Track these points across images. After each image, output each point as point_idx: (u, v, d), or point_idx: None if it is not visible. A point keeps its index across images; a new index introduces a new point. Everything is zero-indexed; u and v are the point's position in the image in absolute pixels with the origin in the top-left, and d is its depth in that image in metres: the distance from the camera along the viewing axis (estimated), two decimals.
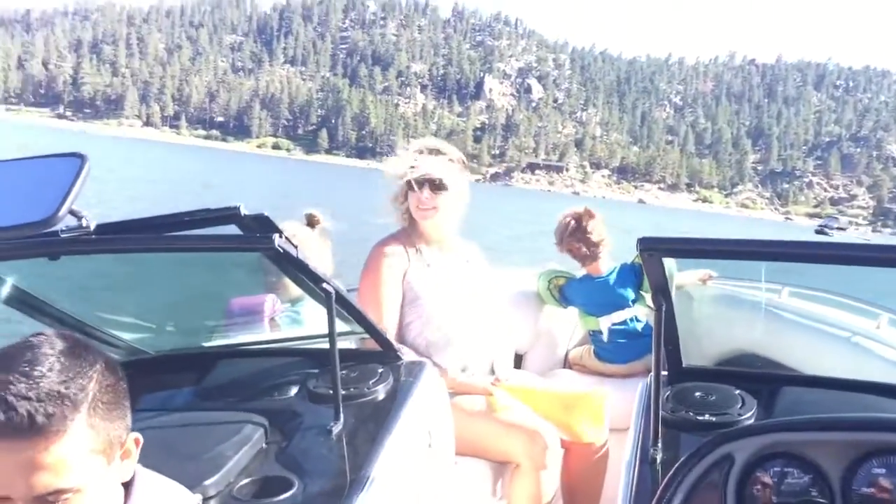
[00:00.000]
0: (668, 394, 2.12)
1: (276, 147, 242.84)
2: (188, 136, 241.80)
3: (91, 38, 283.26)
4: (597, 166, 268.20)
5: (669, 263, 2.81)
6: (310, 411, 2.19)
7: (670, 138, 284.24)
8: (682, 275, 2.84)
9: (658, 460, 1.86)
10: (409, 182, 2.93)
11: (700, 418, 2.01)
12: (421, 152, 2.97)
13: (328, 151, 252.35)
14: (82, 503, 1.07)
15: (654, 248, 1.79)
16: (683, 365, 2.25)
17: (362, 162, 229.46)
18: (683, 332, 2.24)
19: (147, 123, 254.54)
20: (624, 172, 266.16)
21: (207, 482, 1.73)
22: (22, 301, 2.29)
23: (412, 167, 2.92)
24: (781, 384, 2.18)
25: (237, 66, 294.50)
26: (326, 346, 2.11)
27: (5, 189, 2.00)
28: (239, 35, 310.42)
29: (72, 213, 1.85)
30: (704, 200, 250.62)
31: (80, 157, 1.94)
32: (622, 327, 3.88)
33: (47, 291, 2.32)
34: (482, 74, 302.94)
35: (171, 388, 2.34)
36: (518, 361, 3.79)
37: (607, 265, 3.93)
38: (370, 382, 2.27)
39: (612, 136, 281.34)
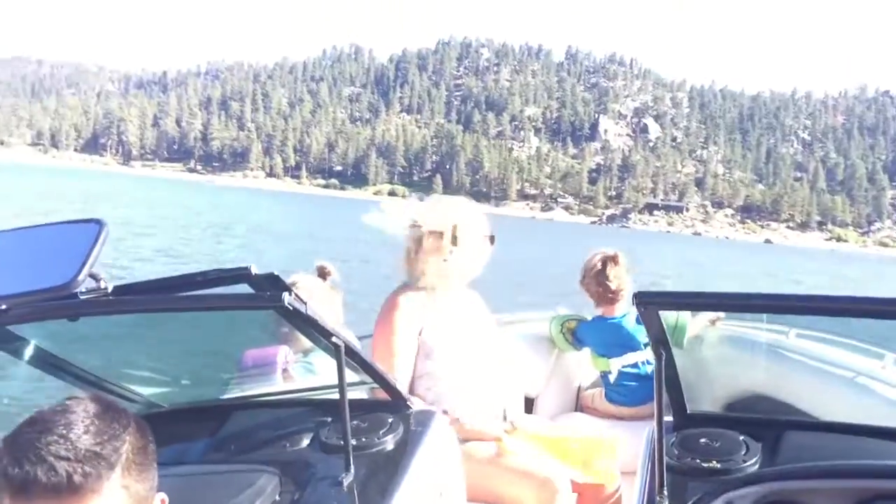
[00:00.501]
0: (673, 440, 2.13)
1: (391, 194, 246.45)
2: (308, 185, 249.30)
3: (220, 95, 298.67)
4: (719, 205, 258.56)
5: (682, 315, 2.87)
6: (321, 462, 2.20)
7: (798, 175, 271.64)
8: (691, 319, 2.91)
9: None
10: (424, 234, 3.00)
11: (706, 465, 2.01)
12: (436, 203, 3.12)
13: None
14: None
15: (650, 302, 1.81)
16: (688, 411, 2.25)
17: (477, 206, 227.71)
18: (691, 374, 2.24)
19: (270, 174, 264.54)
20: (748, 211, 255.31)
21: None
22: (42, 360, 2.34)
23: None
24: (786, 429, 2.19)
25: (355, 117, 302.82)
26: (337, 395, 2.14)
27: (28, 254, 2.07)
28: (357, 87, 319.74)
29: (90, 276, 1.89)
30: (838, 239, 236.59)
31: (98, 224, 1.99)
32: (633, 370, 3.90)
33: (66, 350, 2.37)
34: (597, 115, 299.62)
35: (186, 441, 2.36)
36: (529, 405, 3.80)
37: (622, 308, 3.98)
38: (380, 432, 2.29)
39: (735, 175, 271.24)
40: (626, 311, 3.98)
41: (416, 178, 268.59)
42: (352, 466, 2.08)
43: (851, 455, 1.94)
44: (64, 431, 1.09)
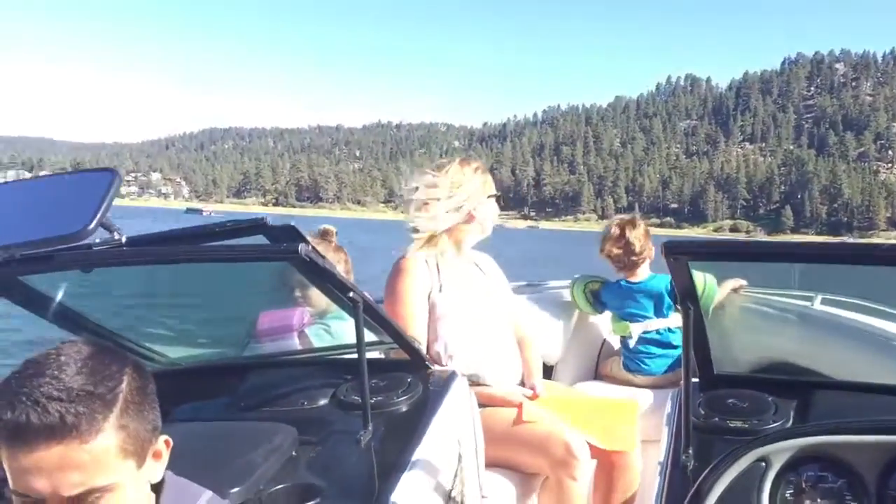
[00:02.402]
0: (700, 401, 2.09)
1: (733, 230, 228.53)
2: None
3: (552, 140, 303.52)
4: None
5: (710, 279, 2.92)
6: (339, 420, 2.21)
7: None
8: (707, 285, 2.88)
9: (690, 466, 1.85)
10: (493, 195, 3.10)
11: (732, 425, 2.00)
12: (485, 168, 3.13)
13: (794, 230, 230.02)
14: (114, 503, 1.10)
15: (679, 252, 1.78)
16: (715, 372, 2.20)
17: (835, 238, 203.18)
18: (716, 342, 2.21)
19: (602, 216, 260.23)
20: None
21: (236, 489, 1.73)
22: (56, 312, 2.32)
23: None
24: (814, 390, 2.16)
25: (691, 151, 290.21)
26: (355, 356, 2.12)
27: (40, 203, 2.04)
28: (693, 119, 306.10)
29: (103, 226, 1.88)
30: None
31: (111, 172, 1.98)
32: (654, 336, 3.91)
33: (81, 303, 2.38)
34: None
35: (202, 399, 2.36)
36: (548, 373, 3.70)
37: (645, 273, 3.96)
38: (399, 392, 2.28)
39: None
40: (649, 276, 3.95)
41: (761, 210, 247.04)
42: (370, 424, 2.07)
43: (881, 414, 1.90)
44: (55, 373, 1.08)
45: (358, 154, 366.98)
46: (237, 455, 1.93)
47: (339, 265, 3.15)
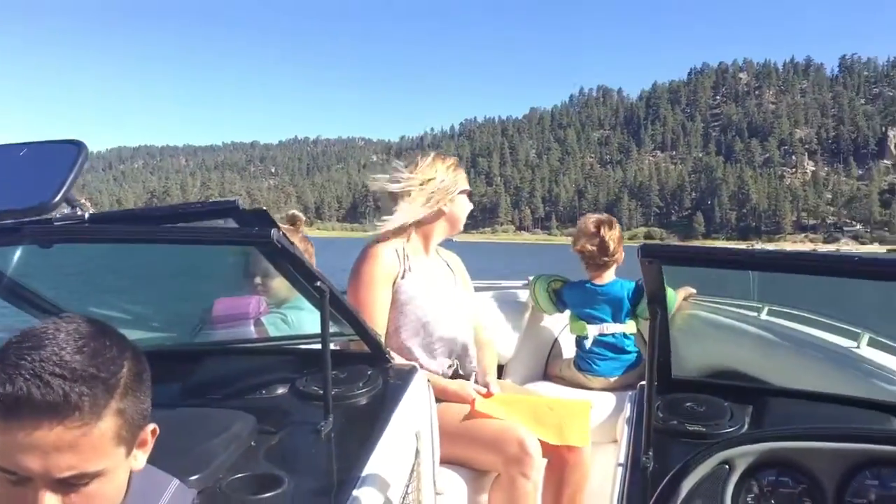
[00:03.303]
0: (658, 404, 2.11)
1: (647, 237, 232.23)
2: (559, 236, 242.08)
3: (469, 153, 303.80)
4: None
5: (669, 288, 2.95)
6: (299, 410, 2.19)
7: None
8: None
9: (650, 468, 1.88)
10: (466, 191, 3.13)
11: (691, 428, 2.04)
12: (458, 164, 3.13)
13: (705, 236, 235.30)
14: (100, 489, 1.07)
15: (654, 256, 1.80)
16: (673, 376, 2.25)
17: (744, 243, 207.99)
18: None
19: (520, 227, 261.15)
20: None
21: (194, 478, 1.70)
22: (8, 289, 2.25)
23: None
24: (767, 397, 2.22)
25: (605, 160, 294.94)
26: (314, 346, 2.11)
27: (1, 172, 1.93)
28: (606, 129, 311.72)
29: (67, 201, 1.80)
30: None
31: (77, 145, 1.90)
32: (609, 340, 3.97)
33: (35, 282, 2.29)
34: (884, 129, 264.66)
35: (157, 385, 2.15)
36: (498, 372, 3.73)
37: (610, 277, 4.02)
38: (360, 384, 2.28)
39: None
40: (613, 281, 4.02)
41: (674, 217, 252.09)
42: (331, 415, 2.06)
43: (831, 422, 1.97)
44: (56, 349, 1.03)
45: (273, 170, 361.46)
46: (195, 443, 1.88)
47: (308, 255, 3.08)
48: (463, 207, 3.13)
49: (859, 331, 3.17)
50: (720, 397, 2.18)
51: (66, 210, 1.93)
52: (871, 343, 3.10)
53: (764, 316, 3.54)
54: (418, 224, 3.03)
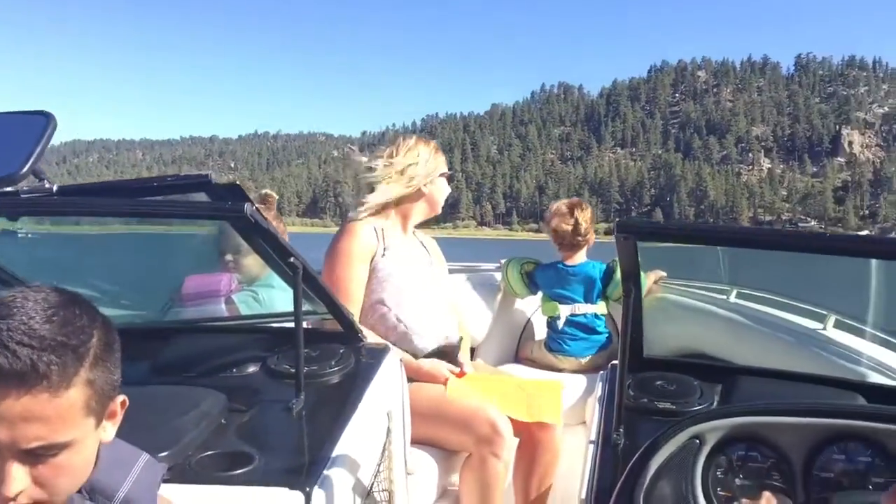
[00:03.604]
0: (629, 382, 2.14)
1: (607, 233, 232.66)
2: (520, 231, 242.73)
3: None
4: None
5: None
6: (270, 388, 2.18)
7: None
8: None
9: (621, 444, 1.90)
10: (445, 174, 3.19)
11: (661, 406, 2.07)
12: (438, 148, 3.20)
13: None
14: (69, 460, 1.04)
15: (630, 232, 1.81)
16: (644, 355, 2.28)
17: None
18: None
19: (481, 223, 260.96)
20: None
21: (164, 454, 1.69)
22: None
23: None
24: (737, 375, 2.25)
25: (565, 156, 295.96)
26: (286, 324, 2.09)
27: None
28: (567, 126, 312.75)
29: (34, 173, 1.76)
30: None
31: (46, 116, 1.85)
32: (581, 320, 4.01)
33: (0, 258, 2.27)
34: (837, 127, 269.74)
35: (127, 362, 2.08)
36: (470, 354, 3.77)
37: (582, 258, 4.09)
38: (332, 362, 2.27)
39: None
40: (584, 262, 4.08)
41: (633, 213, 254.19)
42: (302, 393, 2.05)
43: (804, 400, 1.99)
44: (23, 318, 1.00)
45: (233, 165, 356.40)
46: (165, 420, 1.87)
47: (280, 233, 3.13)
48: (442, 190, 3.18)
49: (825, 313, 3.23)
50: (690, 376, 2.21)
51: (33, 183, 1.87)
52: (838, 325, 3.16)
53: (733, 299, 3.60)
54: (398, 204, 3.07)
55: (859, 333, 3.12)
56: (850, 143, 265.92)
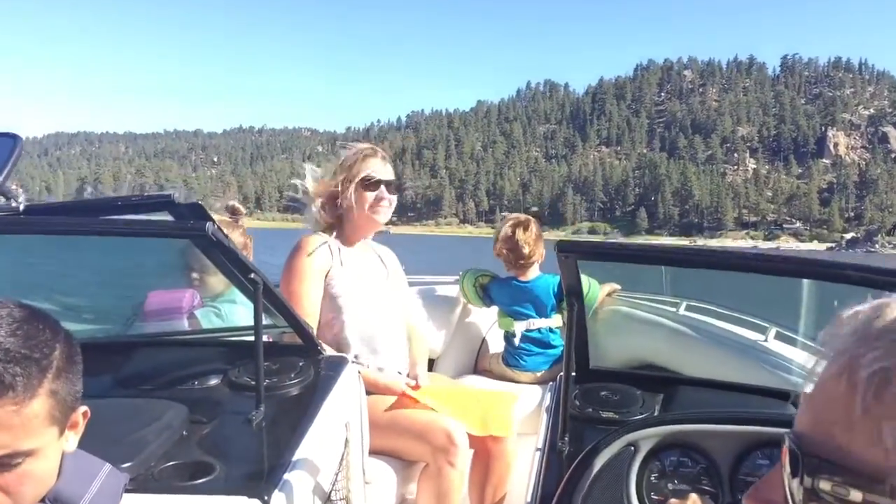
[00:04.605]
0: (575, 392, 2.22)
1: (591, 232, 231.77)
2: None
3: (414, 145, 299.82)
4: None
5: (594, 283, 3.31)
6: (230, 400, 2.23)
7: None
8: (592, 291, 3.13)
9: (565, 451, 1.98)
10: (365, 181, 3.07)
11: (604, 415, 2.15)
12: (369, 154, 3.14)
13: (649, 231, 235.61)
14: (32, 469, 1.08)
15: (570, 251, 1.88)
16: (590, 367, 2.36)
17: (686, 240, 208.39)
18: (591, 340, 2.38)
19: (464, 220, 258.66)
20: None
21: (126, 465, 1.71)
22: None
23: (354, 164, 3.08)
24: (678, 385, 2.35)
25: (550, 154, 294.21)
26: (246, 339, 2.14)
27: None
28: (552, 123, 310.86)
29: (1, 192, 1.80)
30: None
31: (13, 137, 1.89)
32: (536, 335, 4.08)
33: None
34: (823, 129, 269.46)
35: (88, 376, 2.11)
36: (429, 366, 3.87)
37: (535, 273, 4.13)
38: (291, 375, 2.32)
39: None
40: (537, 276, 4.12)
41: (618, 213, 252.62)
42: (262, 405, 2.09)
43: (738, 408, 2.11)
44: None
45: (216, 159, 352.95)
46: (127, 431, 1.90)
47: (247, 248, 3.21)
48: (359, 199, 3.09)
49: (767, 325, 3.38)
50: (634, 386, 2.30)
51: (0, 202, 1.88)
52: (778, 336, 3.30)
53: (682, 311, 3.74)
54: (341, 219, 3.11)
55: (798, 345, 3.25)
56: (836, 145, 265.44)
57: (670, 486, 1.66)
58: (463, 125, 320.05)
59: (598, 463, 1.67)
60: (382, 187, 3.09)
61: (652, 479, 1.67)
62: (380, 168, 3.12)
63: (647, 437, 1.69)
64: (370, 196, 3.08)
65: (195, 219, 1.95)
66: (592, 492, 1.64)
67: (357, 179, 3.06)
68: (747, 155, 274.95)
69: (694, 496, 1.48)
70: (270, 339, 2.74)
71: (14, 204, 1.88)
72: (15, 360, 1.04)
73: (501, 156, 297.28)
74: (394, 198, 3.15)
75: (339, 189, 3.06)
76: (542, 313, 4.06)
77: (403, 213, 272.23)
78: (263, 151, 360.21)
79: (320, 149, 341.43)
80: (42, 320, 1.12)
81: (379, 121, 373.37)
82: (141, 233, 2.00)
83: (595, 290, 3.69)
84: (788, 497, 0.68)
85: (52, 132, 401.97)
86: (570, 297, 2.01)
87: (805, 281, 2.61)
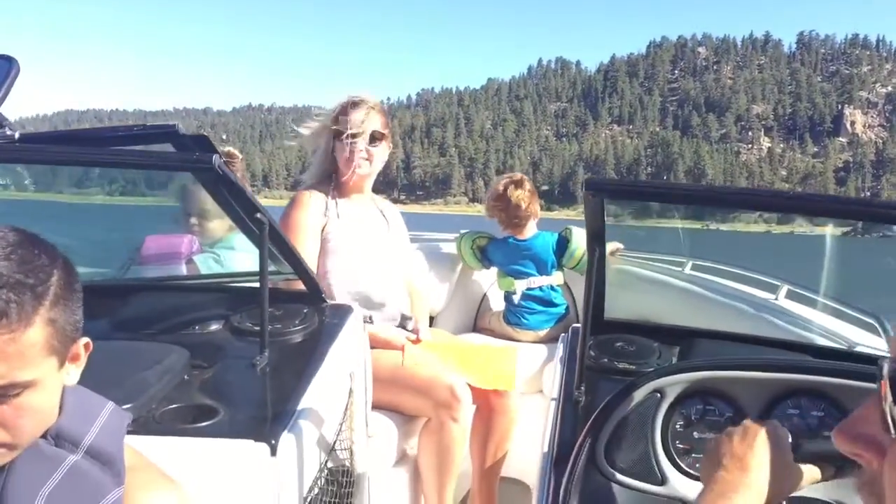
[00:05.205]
0: (590, 343, 2.16)
1: None
2: None
3: (423, 123, 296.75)
4: None
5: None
6: (233, 346, 2.19)
7: None
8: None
9: (581, 402, 1.93)
10: (339, 134, 3.02)
11: (620, 366, 2.11)
12: (351, 105, 3.06)
13: (660, 214, 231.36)
14: (32, 401, 1.04)
15: (598, 190, 1.80)
16: (605, 317, 2.31)
17: (698, 223, 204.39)
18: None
19: (473, 199, 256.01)
20: None
21: (127, 406, 1.62)
22: None
23: (340, 116, 3.03)
24: (694, 338, 2.29)
25: (561, 133, 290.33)
26: (248, 285, 2.09)
27: None
28: (563, 102, 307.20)
29: None
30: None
31: (9, 60, 1.80)
32: (537, 293, 4.02)
33: None
34: (839, 107, 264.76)
35: (86, 318, 1.92)
36: (430, 323, 3.84)
37: (532, 231, 4.06)
38: (295, 321, 2.27)
39: None
40: (535, 234, 4.07)
41: None
42: (266, 350, 2.05)
43: None
44: None
45: (224, 137, 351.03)
46: (126, 373, 1.85)
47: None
48: (339, 149, 3.04)
49: (778, 283, 3.33)
50: (650, 338, 2.26)
51: None
52: (789, 295, 3.26)
53: (688, 271, 3.70)
54: (337, 171, 3.07)
55: (810, 303, 3.19)
56: (853, 123, 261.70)
57: (696, 434, 1.64)
58: (473, 103, 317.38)
59: (623, 410, 1.64)
60: (359, 140, 3.00)
61: (677, 427, 1.65)
62: (359, 119, 3.01)
63: (675, 384, 1.65)
64: (345, 148, 3.01)
65: (200, 151, 1.89)
66: (615, 439, 1.62)
67: (333, 131, 3.04)
68: (762, 133, 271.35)
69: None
70: (272, 286, 2.63)
71: (9, 132, 1.81)
72: (8, 285, 0.98)
73: (512, 134, 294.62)
74: (375, 149, 3.05)
75: (323, 142, 3.07)
76: (542, 271, 4.00)
77: (412, 191, 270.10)
78: (272, 129, 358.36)
79: None
80: (38, 245, 1.06)
81: (389, 99, 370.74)
82: (143, 164, 1.94)
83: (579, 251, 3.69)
84: (891, 425, 0.69)
85: (61, 109, 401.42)
86: (593, 240, 1.94)
87: (826, 237, 2.56)
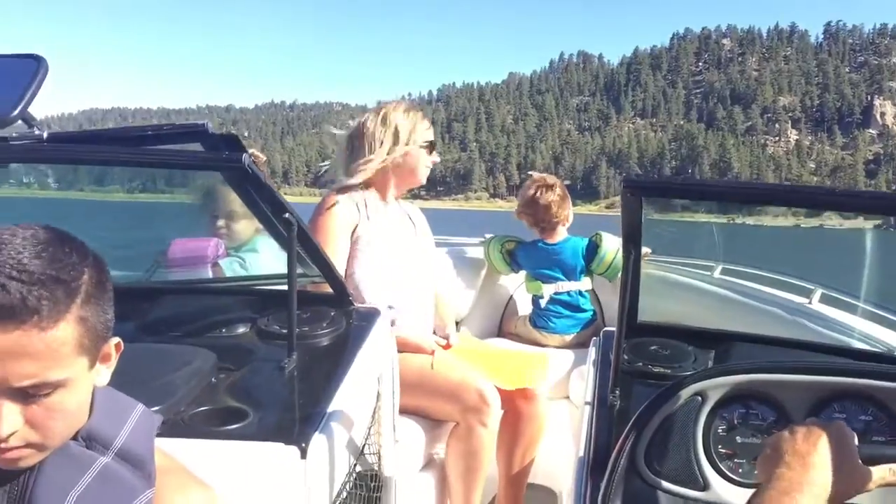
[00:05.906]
0: (623, 347, 2.13)
1: None
2: None
3: (444, 118, 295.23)
4: None
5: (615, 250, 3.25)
6: (261, 349, 2.19)
7: None
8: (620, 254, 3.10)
9: (617, 406, 1.91)
10: (432, 146, 3.14)
11: (655, 370, 2.08)
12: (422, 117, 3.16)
13: (684, 207, 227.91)
14: (62, 401, 1.03)
15: (637, 188, 1.77)
16: (638, 321, 2.30)
17: (723, 217, 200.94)
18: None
19: (494, 195, 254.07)
20: None
21: (155, 408, 1.63)
22: None
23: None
24: (730, 342, 2.27)
25: (583, 127, 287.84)
26: (274, 288, 2.10)
27: None
28: (585, 95, 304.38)
29: (24, 119, 1.76)
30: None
31: (37, 59, 1.82)
32: (565, 298, 4.00)
33: None
34: (869, 98, 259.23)
35: (115, 320, 1.94)
36: (455, 328, 3.82)
37: (562, 235, 4.04)
38: (323, 324, 2.27)
39: None
40: (565, 238, 4.05)
41: None
42: (294, 352, 2.05)
43: None
44: (14, 254, 0.98)
45: (246, 134, 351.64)
46: (155, 376, 1.85)
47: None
48: (420, 158, 3.10)
49: (812, 287, 3.28)
50: (684, 342, 2.23)
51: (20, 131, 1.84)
52: (823, 299, 3.21)
53: (717, 274, 3.68)
54: (377, 174, 3.04)
55: (845, 307, 3.14)
56: (883, 114, 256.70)
57: (739, 438, 1.61)
58: (494, 98, 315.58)
59: (663, 413, 1.61)
60: (434, 151, 3.14)
61: (720, 431, 1.62)
62: (429, 129, 3.15)
63: (717, 387, 1.62)
64: (427, 158, 3.11)
65: (230, 150, 1.88)
66: (656, 443, 1.59)
67: (418, 140, 3.07)
68: (789, 125, 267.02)
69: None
70: (298, 289, 2.63)
71: (37, 132, 1.82)
72: (40, 282, 0.97)
73: (533, 128, 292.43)
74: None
75: (389, 149, 3.03)
76: (570, 276, 3.98)
77: (432, 187, 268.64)
78: (294, 126, 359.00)
79: (351, 123, 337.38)
80: (69, 243, 1.05)
81: (410, 94, 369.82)
82: (172, 163, 1.95)
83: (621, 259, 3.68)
84: None
85: (86, 108, 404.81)
86: (629, 241, 1.90)
87: (866, 240, 2.51)
